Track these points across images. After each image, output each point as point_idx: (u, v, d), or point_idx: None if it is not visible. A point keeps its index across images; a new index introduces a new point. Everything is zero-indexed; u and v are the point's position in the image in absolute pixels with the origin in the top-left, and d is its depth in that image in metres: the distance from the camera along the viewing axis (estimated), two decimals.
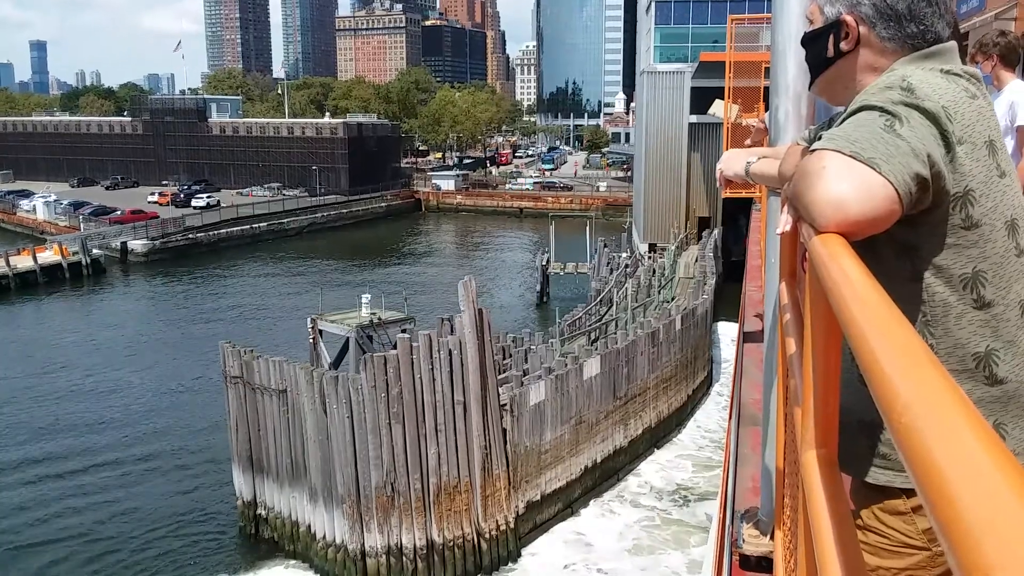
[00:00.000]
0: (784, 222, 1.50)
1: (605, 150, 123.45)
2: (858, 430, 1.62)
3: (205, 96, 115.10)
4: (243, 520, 21.87)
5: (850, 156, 1.31)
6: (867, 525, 1.68)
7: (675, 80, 48.70)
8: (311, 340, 24.50)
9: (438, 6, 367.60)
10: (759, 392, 4.31)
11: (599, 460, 24.37)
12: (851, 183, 1.29)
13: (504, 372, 26.41)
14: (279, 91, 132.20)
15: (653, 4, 50.79)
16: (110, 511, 22.90)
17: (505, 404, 20.72)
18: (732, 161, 2.39)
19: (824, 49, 1.66)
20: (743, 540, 3.19)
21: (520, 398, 21.02)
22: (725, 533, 4.00)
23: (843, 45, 1.62)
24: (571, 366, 22.93)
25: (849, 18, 1.60)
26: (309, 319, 25.01)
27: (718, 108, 37.69)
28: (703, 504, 23.55)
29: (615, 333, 27.08)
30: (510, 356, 27.53)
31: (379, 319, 24.19)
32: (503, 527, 20.69)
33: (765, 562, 3.06)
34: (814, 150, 1.38)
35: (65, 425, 29.04)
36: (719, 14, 46.93)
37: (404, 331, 22.63)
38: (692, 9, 49.85)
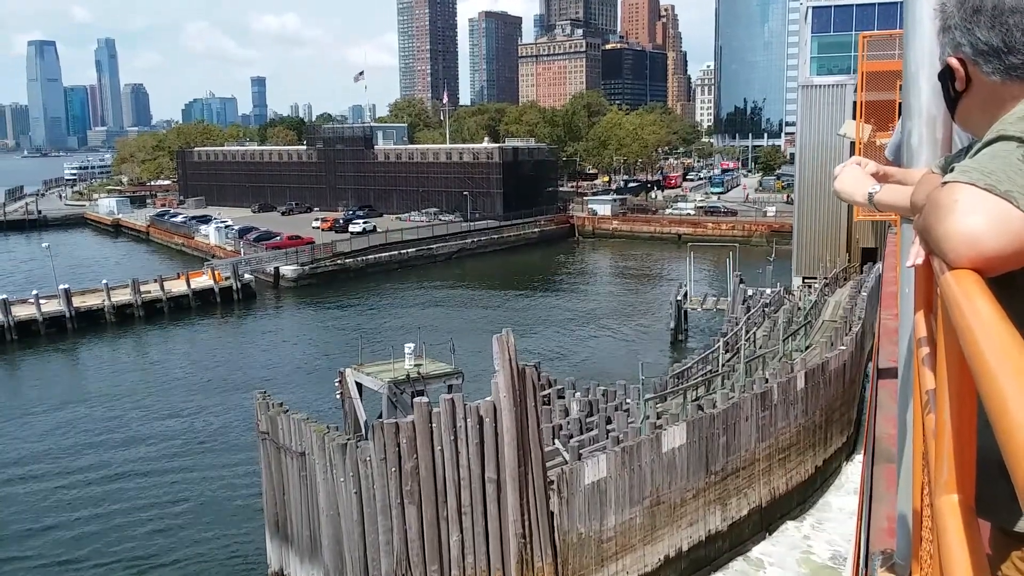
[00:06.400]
0: (915, 255, 1.53)
1: (779, 172, 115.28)
2: (999, 473, 1.42)
3: (372, 124, 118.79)
4: None
5: (984, 189, 1.23)
6: None
7: (834, 94, 43.10)
8: (338, 396, 22.11)
9: (619, 30, 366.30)
10: (894, 427, 3.72)
11: (685, 549, 20.38)
12: (986, 217, 1.21)
13: (589, 431, 23.06)
14: (440, 116, 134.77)
15: (810, 11, 45.23)
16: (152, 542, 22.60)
17: (552, 482, 17.41)
18: (852, 186, 2.23)
19: (950, 88, 1.63)
20: None
21: (570, 475, 17.61)
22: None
23: (956, 85, 1.59)
24: (645, 435, 19.22)
25: (953, 61, 1.57)
26: (338, 372, 22.63)
27: (849, 128, 32.14)
28: None
29: (715, 392, 22.92)
30: (596, 412, 24.15)
31: (419, 373, 21.39)
32: None
33: None
34: (945, 182, 1.31)
35: (135, 442, 29.57)
36: (887, 17, 40.87)
37: (450, 388, 19.80)
38: (855, 14, 43.75)
